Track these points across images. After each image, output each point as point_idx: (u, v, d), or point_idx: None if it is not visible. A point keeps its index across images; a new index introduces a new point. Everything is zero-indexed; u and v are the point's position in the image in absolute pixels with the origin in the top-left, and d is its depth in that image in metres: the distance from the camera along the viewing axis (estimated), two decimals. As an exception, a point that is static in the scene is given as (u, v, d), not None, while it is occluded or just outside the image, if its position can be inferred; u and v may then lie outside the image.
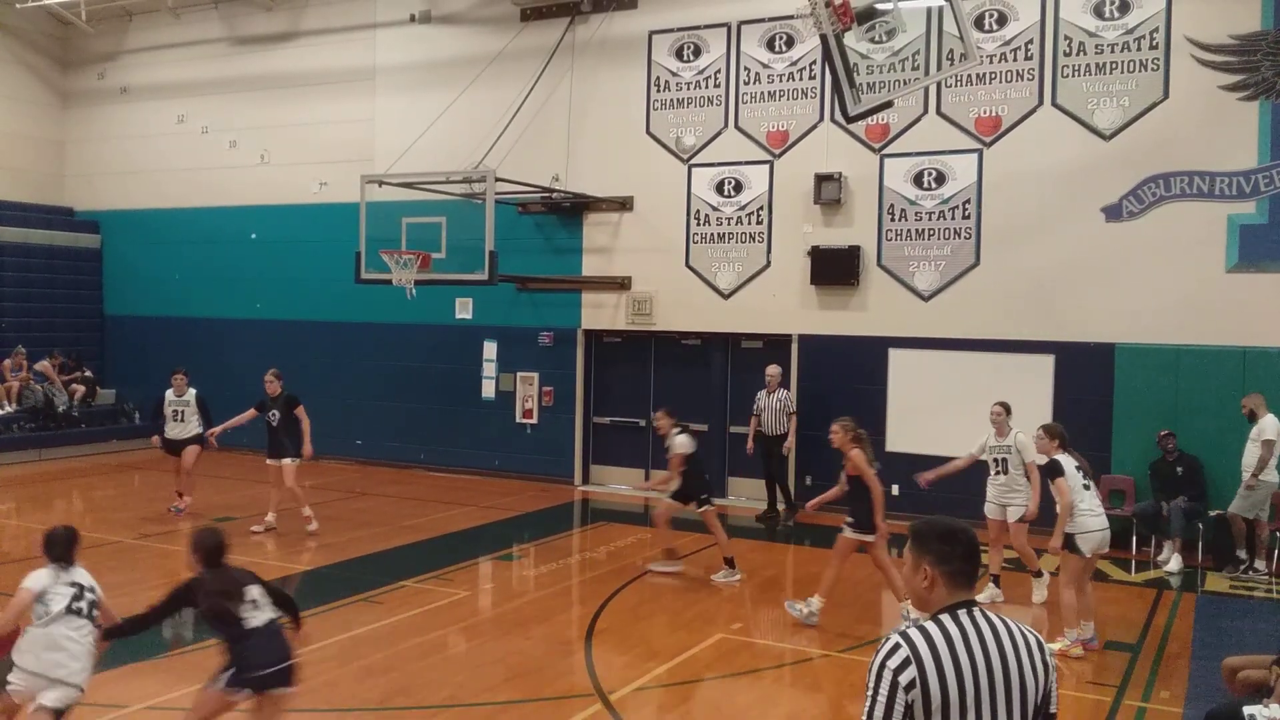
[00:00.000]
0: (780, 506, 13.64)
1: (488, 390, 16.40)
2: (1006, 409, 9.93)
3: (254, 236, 18.44)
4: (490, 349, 16.41)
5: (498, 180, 13.37)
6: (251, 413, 12.36)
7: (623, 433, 15.56)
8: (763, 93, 14.52)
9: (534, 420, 16.05)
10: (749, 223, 14.58)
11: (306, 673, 7.91)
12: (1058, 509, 8.35)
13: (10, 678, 5.64)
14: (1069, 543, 8.28)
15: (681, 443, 10.52)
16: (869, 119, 12.63)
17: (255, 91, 18.47)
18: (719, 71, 14.79)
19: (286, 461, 12.11)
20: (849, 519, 9.11)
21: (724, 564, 10.58)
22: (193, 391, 13.03)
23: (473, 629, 9.18)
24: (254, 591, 5.79)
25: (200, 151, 18.96)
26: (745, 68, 14.63)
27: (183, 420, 12.94)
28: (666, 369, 15.40)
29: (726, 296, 14.72)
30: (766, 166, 14.46)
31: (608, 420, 15.69)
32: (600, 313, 15.60)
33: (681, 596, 9.91)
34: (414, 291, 13.67)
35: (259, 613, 5.72)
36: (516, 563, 11.61)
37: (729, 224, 14.71)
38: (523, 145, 15.43)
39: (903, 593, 8.92)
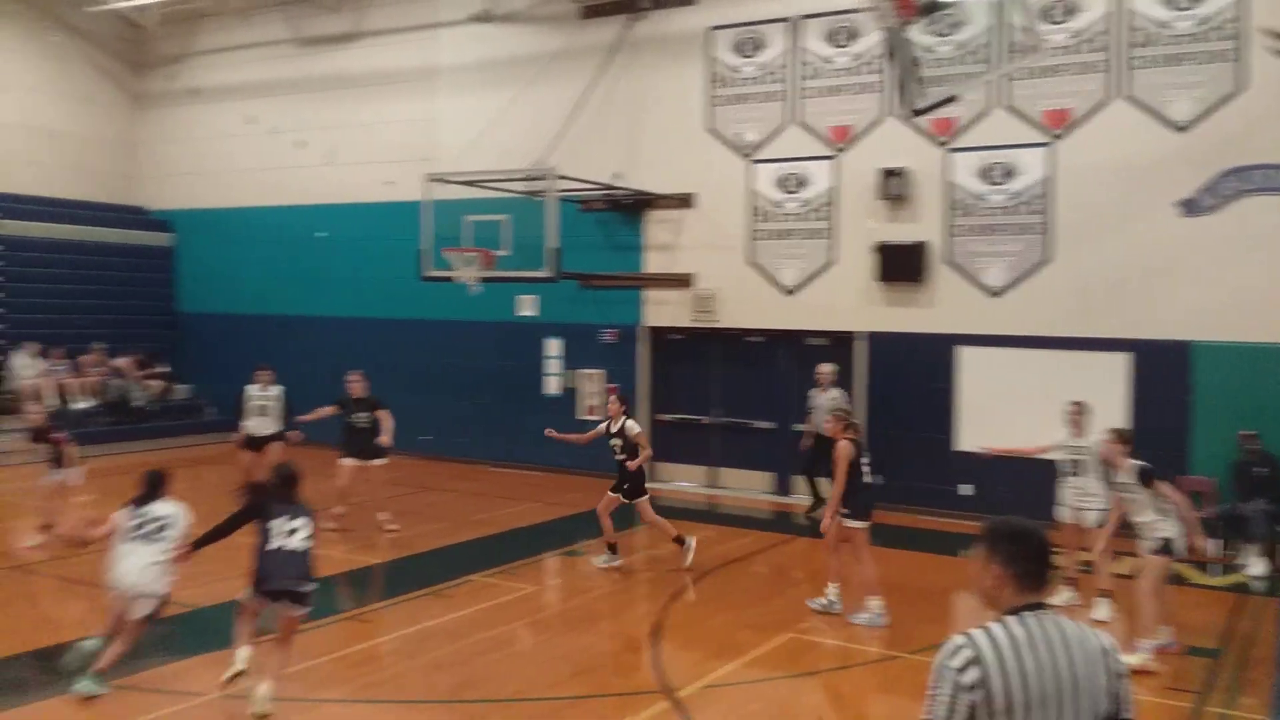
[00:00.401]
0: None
1: (551, 387, 16.47)
2: (1084, 408, 9.68)
3: (321, 235, 18.71)
4: (553, 346, 16.48)
5: (559, 178, 13.40)
6: (332, 409, 12.47)
7: (687, 430, 15.53)
8: (825, 87, 14.40)
9: (597, 417, 16.05)
10: (812, 219, 14.46)
11: (376, 664, 8.06)
12: (1142, 514, 8.18)
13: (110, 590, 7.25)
14: (1167, 545, 8.10)
15: (637, 426, 10.73)
16: (934, 113, 12.45)
17: (321, 92, 18.74)
18: (780, 66, 14.69)
19: (378, 462, 12.22)
20: (844, 509, 9.13)
21: (607, 549, 10.77)
22: (279, 388, 13.14)
23: (539, 624, 9.23)
24: (299, 523, 6.98)
25: (268, 151, 19.28)
26: (806, 62, 14.52)
27: (266, 415, 13.06)
28: (730, 366, 15.34)
29: (790, 293, 14.62)
30: (830, 162, 14.34)
31: (671, 417, 15.67)
32: (663, 310, 15.58)
33: (749, 595, 9.86)
34: (477, 289, 13.77)
35: (290, 539, 6.90)
36: (581, 559, 11.63)
37: (792, 220, 14.61)
38: (583, 142, 15.48)
39: (832, 574, 9.16)
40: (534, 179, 13.78)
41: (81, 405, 17.91)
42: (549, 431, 11.66)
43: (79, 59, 20.40)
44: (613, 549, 10.80)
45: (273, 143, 19.24)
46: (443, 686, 7.60)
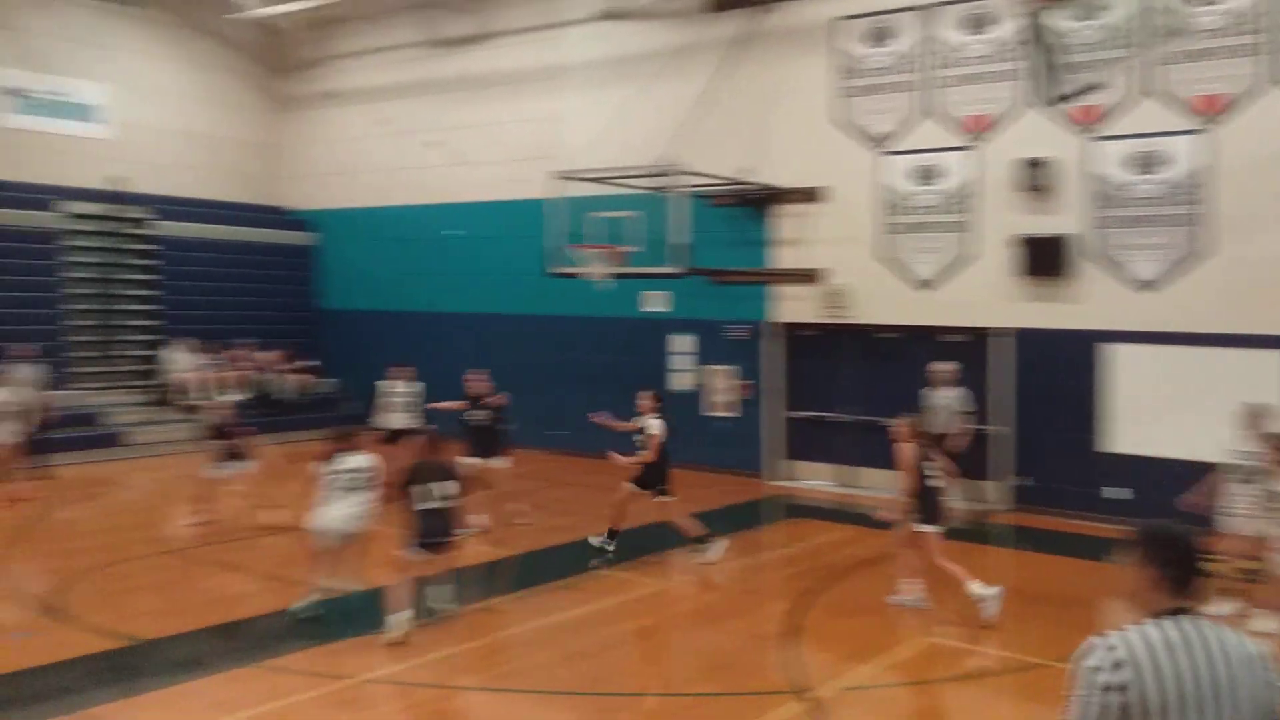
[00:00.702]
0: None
1: (679, 383, 16.46)
2: (1260, 410, 9.07)
3: (457, 232, 19.09)
4: (680, 342, 16.47)
5: (684, 173, 13.36)
6: (462, 404, 12.68)
7: (818, 427, 15.29)
8: (959, 76, 14.00)
9: (727, 414, 15.99)
10: (948, 211, 14.09)
11: (510, 655, 8.17)
12: None
13: (317, 533, 8.61)
14: None
15: (658, 426, 10.65)
16: (1076, 100, 12.00)
17: (450, 93, 19.13)
18: (912, 56, 14.34)
19: (498, 462, 12.31)
20: (917, 515, 9.07)
21: (694, 543, 10.78)
22: (417, 385, 13.49)
23: (670, 620, 9.22)
24: (448, 487, 8.26)
25: (401, 151, 19.77)
26: (939, 51, 14.14)
27: (404, 411, 13.40)
28: (862, 362, 15.04)
29: (925, 288, 14.28)
30: (965, 153, 13.94)
31: (803, 415, 15.47)
32: (793, 305, 15.39)
33: (886, 597, 9.63)
34: (604, 285, 13.83)
35: (441, 501, 8.18)
36: (712, 555, 11.57)
37: (926, 213, 14.26)
38: (710, 137, 15.41)
39: (909, 571, 9.08)
40: (659, 175, 13.78)
41: (230, 398, 18.67)
42: (594, 416, 11.65)
43: (225, 66, 21.29)
44: (704, 538, 10.85)
45: (405, 143, 19.72)
46: (575, 679, 7.65)
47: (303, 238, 21.65)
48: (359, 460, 8.68)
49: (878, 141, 14.61)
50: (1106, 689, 2.80)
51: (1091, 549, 11.53)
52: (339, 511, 8.51)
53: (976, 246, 13.86)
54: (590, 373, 17.20)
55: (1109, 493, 12.72)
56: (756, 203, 15.54)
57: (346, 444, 8.77)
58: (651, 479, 10.78)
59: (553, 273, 14.32)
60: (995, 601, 8.73)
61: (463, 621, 8.81)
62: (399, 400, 13.44)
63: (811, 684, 7.46)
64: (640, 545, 11.45)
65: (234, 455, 11.96)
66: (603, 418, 11.46)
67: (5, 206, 17.62)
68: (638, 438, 10.83)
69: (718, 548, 10.83)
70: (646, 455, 10.68)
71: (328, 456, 8.66)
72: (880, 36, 14.61)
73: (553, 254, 14.16)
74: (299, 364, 20.07)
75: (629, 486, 10.85)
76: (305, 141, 21.68)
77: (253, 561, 10.87)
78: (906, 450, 9.05)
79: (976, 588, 8.81)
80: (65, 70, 18.83)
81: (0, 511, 12.83)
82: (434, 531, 8.17)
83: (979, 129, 13.86)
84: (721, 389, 16.06)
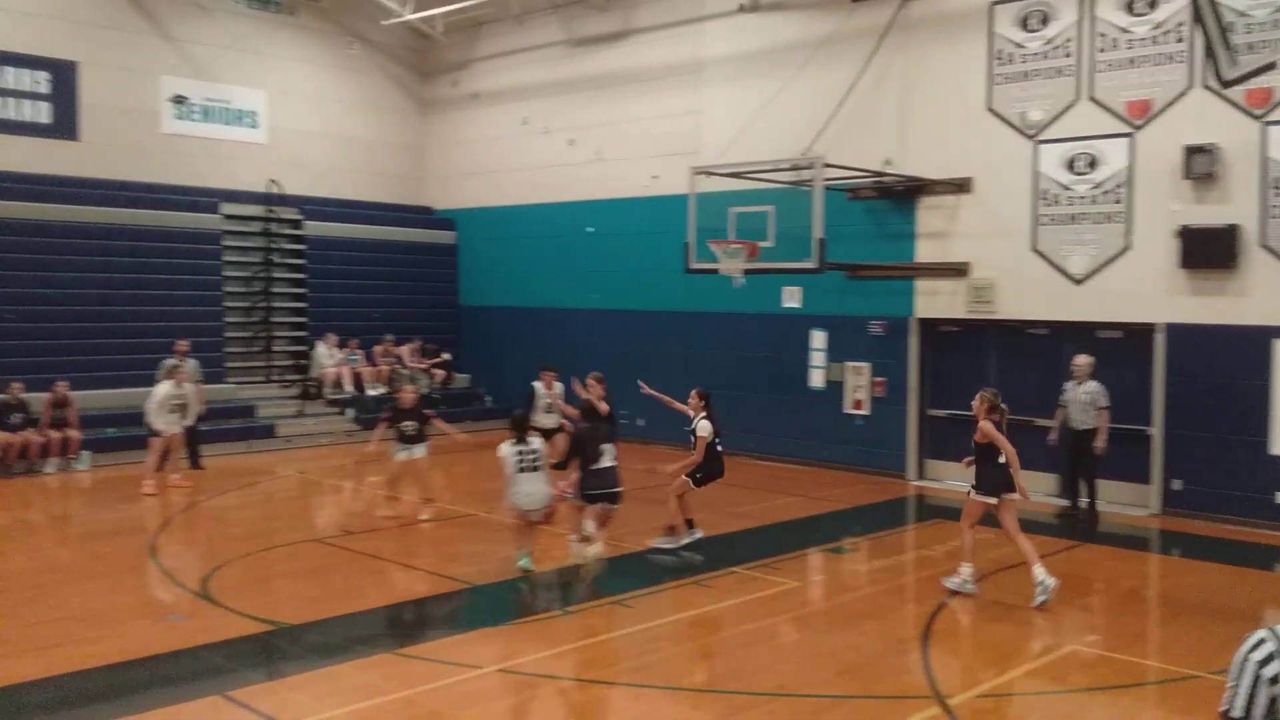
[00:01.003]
0: (1083, 504, 12.86)
1: (815, 380, 16.14)
2: None
3: (590, 230, 19.23)
4: (818, 338, 16.14)
5: (826, 166, 13.05)
6: (575, 411, 12.75)
7: (960, 426, 14.68)
8: (1121, 59, 13.27)
9: (864, 411, 15.61)
10: (1105, 202, 13.37)
11: (641, 649, 8.10)
12: None
13: (510, 506, 9.81)
14: None
15: (705, 428, 10.90)
16: (1249, 82, 11.23)
17: (590, 90, 19.24)
18: (1070, 40, 13.68)
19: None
20: (974, 483, 9.41)
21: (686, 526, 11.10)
22: (560, 386, 13.69)
23: (802, 620, 9.00)
24: (608, 447, 9.83)
25: (542, 150, 20.01)
26: (1101, 33, 13.44)
27: (551, 412, 13.65)
28: (1009, 360, 14.45)
29: (1079, 282, 13.59)
30: (1126, 140, 13.21)
31: (944, 413, 14.96)
32: (935, 300, 14.90)
33: (1028, 602, 9.21)
34: (742, 280, 13.65)
35: (605, 459, 9.78)
36: (847, 556, 11.29)
37: (1082, 203, 13.57)
38: (852, 129, 15.05)
39: (1034, 558, 9.01)
40: (800, 168, 13.50)
41: (372, 392, 19.26)
42: (644, 387, 12.21)
43: (374, 70, 21.96)
44: (672, 529, 10.98)
45: (545, 142, 19.95)
46: (707, 675, 7.57)
47: (446, 236, 22.16)
48: (535, 444, 9.95)
49: (1033, 129, 13.99)
50: (1257, 681, 2.78)
51: (1247, 555, 10.88)
52: (527, 489, 9.71)
53: (1136, 238, 13.12)
54: (728, 369, 17.03)
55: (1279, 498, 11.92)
56: (899, 195, 15.10)
57: (526, 430, 9.95)
58: (707, 474, 11.00)
59: (693, 269, 14.21)
60: (961, 585, 9.24)
61: (594, 615, 8.81)
62: (545, 401, 13.64)
63: (948, 690, 7.16)
64: (771, 544, 11.26)
65: (412, 440, 12.26)
66: (652, 390, 12.04)
67: (168, 209, 18.55)
68: (689, 431, 11.11)
69: (670, 541, 10.95)
70: (695, 458, 10.89)
71: (514, 441, 9.73)
72: (1037, 20, 13.99)
73: (692, 250, 14.04)
74: (436, 359, 20.52)
75: (685, 483, 11.02)
76: (449, 142, 22.17)
77: (399, 551, 11.12)
78: (987, 426, 9.16)
79: (965, 570, 9.29)
80: (224, 77, 19.71)
81: (156, 499, 13.48)
82: (600, 485, 9.71)
83: (1142, 115, 13.12)
84: (856, 386, 15.68)
